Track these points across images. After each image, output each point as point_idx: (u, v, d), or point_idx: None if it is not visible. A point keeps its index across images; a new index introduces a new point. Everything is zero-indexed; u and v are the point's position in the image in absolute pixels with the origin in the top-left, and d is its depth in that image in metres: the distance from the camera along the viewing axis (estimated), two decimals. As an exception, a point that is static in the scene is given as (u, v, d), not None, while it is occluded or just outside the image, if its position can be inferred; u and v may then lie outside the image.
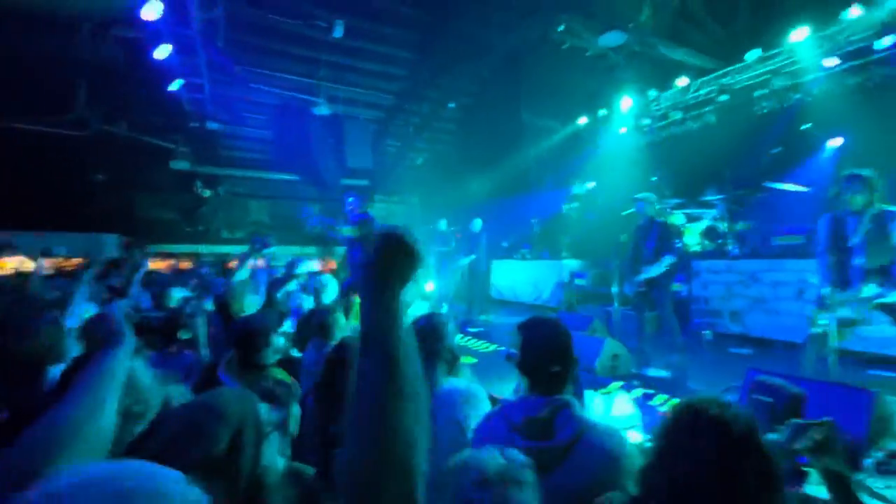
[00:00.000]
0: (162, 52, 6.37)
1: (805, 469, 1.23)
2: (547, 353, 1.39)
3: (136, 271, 3.47)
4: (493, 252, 9.90)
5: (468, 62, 9.00)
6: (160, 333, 2.59)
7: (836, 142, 6.77)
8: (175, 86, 7.44)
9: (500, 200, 10.45)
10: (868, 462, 2.06)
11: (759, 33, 6.73)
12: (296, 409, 1.74)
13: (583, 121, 9.42)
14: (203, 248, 11.39)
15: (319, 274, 4.70)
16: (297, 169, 11.17)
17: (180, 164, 10.43)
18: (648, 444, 0.94)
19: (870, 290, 2.75)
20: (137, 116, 9.11)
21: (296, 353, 2.68)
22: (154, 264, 10.46)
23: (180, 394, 1.34)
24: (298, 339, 2.80)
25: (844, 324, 2.84)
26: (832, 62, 6.06)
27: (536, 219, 9.99)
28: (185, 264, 10.68)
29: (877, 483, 1.93)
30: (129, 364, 1.01)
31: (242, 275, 3.24)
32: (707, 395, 0.93)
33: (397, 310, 0.57)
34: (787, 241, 5.23)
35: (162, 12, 5.65)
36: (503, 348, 5.11)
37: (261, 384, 1.67)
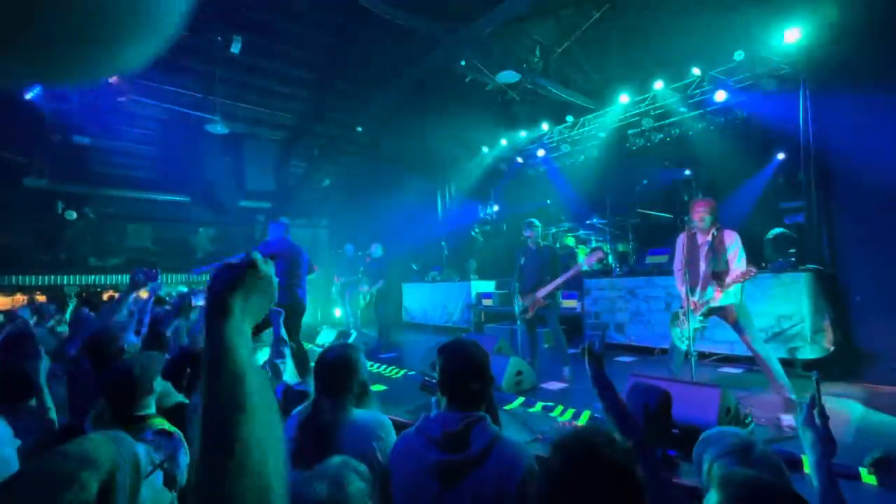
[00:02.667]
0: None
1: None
2: (467, 371, 1.46)
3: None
4: (403, 275, 9.96)
5: (375, 88, 9.12)
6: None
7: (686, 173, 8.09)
8: (32, 93, 6.46)
9: (409, 223, 10.59)
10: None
11: (629, 80, 7.85)
12: (184, 460, 1.60)
13: (485, 149, 10.02)
14: (66, 279, 9.81)
15: None
16: (188, 189, 10.22)
17: (36, 182, 8.94)
18: (539, 474, 0.99)
19: (708, 293, 3.34)
20: (-22, 126, 7.65)
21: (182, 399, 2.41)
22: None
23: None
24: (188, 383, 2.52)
25: (696, 328, 3.39)
26: (683, 109, 7.29)
27: (445, 242, 10.29)
28: (42, 298, 9.17)
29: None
30: None
31: (123, 314, 2.86)
32: (592, 428, 1.00)
33: (239, 334, 0.59)
34: (657, 260, 6.04)
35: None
36: (414, 373, 5.13)
37: (139, 438, 1.50)
